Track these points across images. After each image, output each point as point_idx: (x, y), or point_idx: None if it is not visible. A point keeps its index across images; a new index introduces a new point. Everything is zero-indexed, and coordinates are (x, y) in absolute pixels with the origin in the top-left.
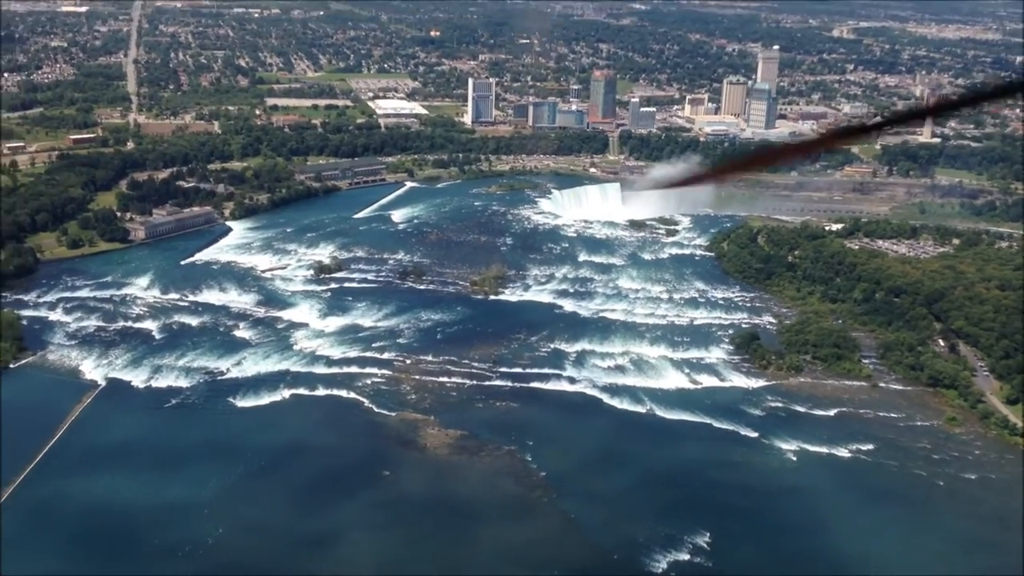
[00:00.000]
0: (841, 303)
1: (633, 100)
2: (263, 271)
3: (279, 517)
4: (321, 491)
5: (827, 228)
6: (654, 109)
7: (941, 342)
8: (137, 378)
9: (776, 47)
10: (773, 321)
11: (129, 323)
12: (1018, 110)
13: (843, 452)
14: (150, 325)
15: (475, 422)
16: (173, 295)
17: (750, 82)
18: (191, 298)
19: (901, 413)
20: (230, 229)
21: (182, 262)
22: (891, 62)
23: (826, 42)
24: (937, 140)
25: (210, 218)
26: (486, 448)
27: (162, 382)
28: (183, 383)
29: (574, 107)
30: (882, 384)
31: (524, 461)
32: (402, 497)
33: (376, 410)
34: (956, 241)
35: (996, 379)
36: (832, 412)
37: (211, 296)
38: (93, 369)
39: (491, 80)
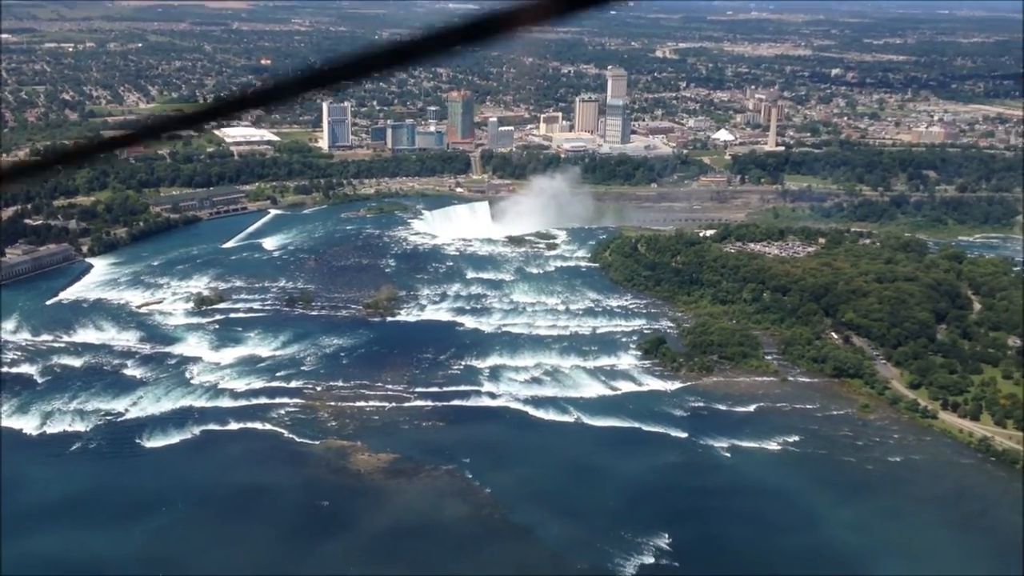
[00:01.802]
0: (732, 304)
1: (491, 120)
2: (138, 307)
3: (222, 562)
4: (260, 529)
5: (701, 234)
6: (512, 128)
7: (834, 335)
8: (28, 425)
9: (620, 67)
10: (672, 325)
11: (5, 368)
12: (846, 117)
13: (772, 446)
14: (29, 369)
15: (405, 444)
16: (46, 336)
17: (602, 99)
18: (67, 339)
19: (815, 404)
20: (91, 266)
21: (47, 302)
22: (718, 79)
23: (652, 62)
24: (782, 148)
25: (68, 255)
26: (423, 470)
27: (56, 427)
28: (80, 427)
29: (433, 128)
30: (790, 378)
31: (466, 479)
32: (348, 527)
33: (298, 440)
34: (822, 241)
35: (894, 366)
36: (752, 408)
37: (88, 335)
38: None
39: (346, 104)
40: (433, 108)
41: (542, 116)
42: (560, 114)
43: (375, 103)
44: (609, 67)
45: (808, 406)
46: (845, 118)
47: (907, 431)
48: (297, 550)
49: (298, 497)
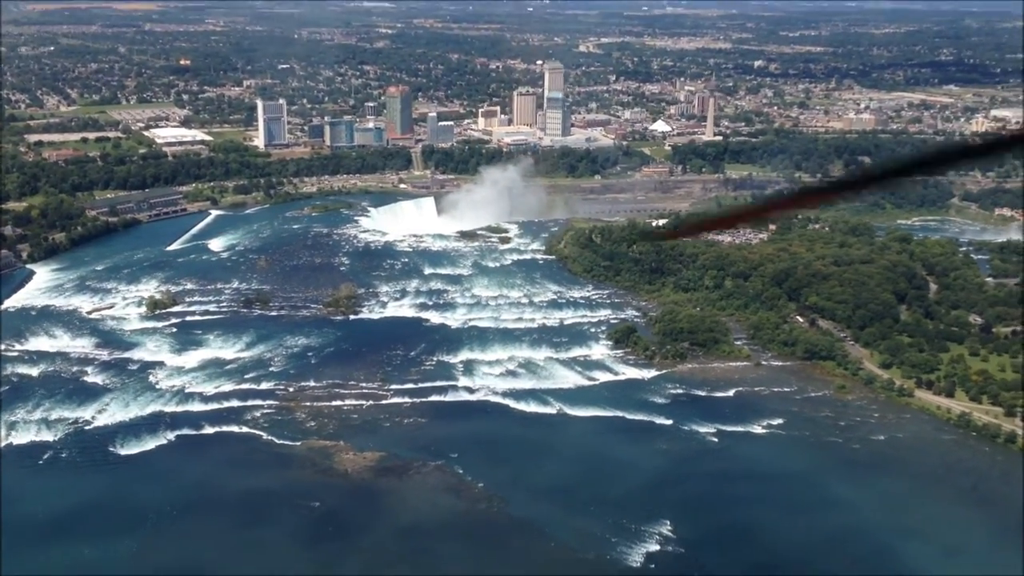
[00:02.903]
0: (694, 292)
1: (430, 115)
2: (89, 312)
3: (233, 569)
4: (259, 533)
5: (654, 224)
6: (452, 123)
7: (799, 318)
8: None
9: (556, 61)
10: (638, 314)
11: None
12: (776, 107)
13: (757, 429)
14: None
15: (389, 442)
16: None
17: (539, 93)
18: (19, 347)
19: (792, 387)
20: (33, 272)
21: None
22: (646, 72)
23: (578, 57)
24: (720, 138)
25: (9, 262)
26: (412, 467)
27: (23, 438)
28: (48, 436)
29: (371, 125)
30: (763, 362)
31: (457, 475)
32: (347, 528)
33: (278, 442)
34: (772, 227)
35: (863, 347)
36: (731, 393)
37: (41, 343)
38: None
39: (282, 102)
40: (370, 104)
41: (480, 110)
42: (498, 108)
43: (305, 101)
44: (545, 61)
45: (785, 389)
46: (775, 108)
47: (886, 410)
48: (302, 553)
49: (288, 499)
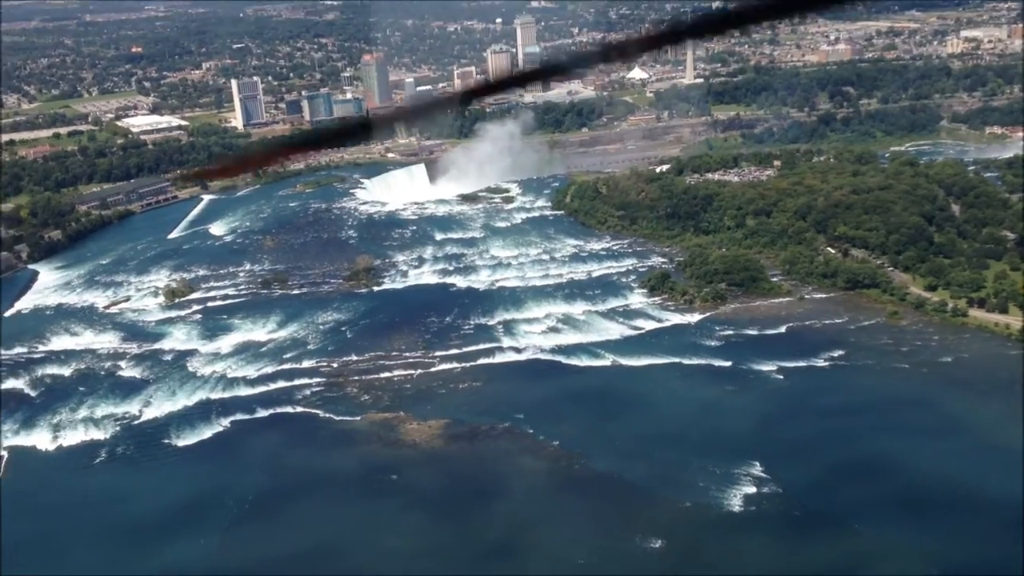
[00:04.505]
0: (716, 233)
1: (407, 81)
2: (105, 307)
3: (335, 543)
4: (348, 510)
5: (658, 170)
6: (430, 88)
7: (831, 250)
8: (40, 440)
9: (528, 16)
10: (664, 261)
11: None
12: (747, 46)
13: (820, 362)
14: (17, 384)
15: (449, 408)
16: (20, 349)
17: (513, 50)
18: (44, 348)
19: (843, 318)
20: (36, 272)
21: (6, 313)
22: (606, 23)
23: (534, 12)
24: (700, 80)
25: (11, 264)
26: (480, 431)
27: (72, 439)
28: (98, 435)
29: (350, 96)
30: (806, 296)
31: (528, 435)
32: (433, 499)
33: (337, 419)
34: (777, 163)
35: (903, 272)
36: (783, 329)
37: (65, 342)
38: None
39: (256, 79)
40: (345, 75)
41: (456, 72)
42: (474, 68)
43: (270, 78)
44: (517, 17)
45: (836, 321)
46: (746, 47)
47: (944, 332)
48: (430, 526)
49: (366, 475)
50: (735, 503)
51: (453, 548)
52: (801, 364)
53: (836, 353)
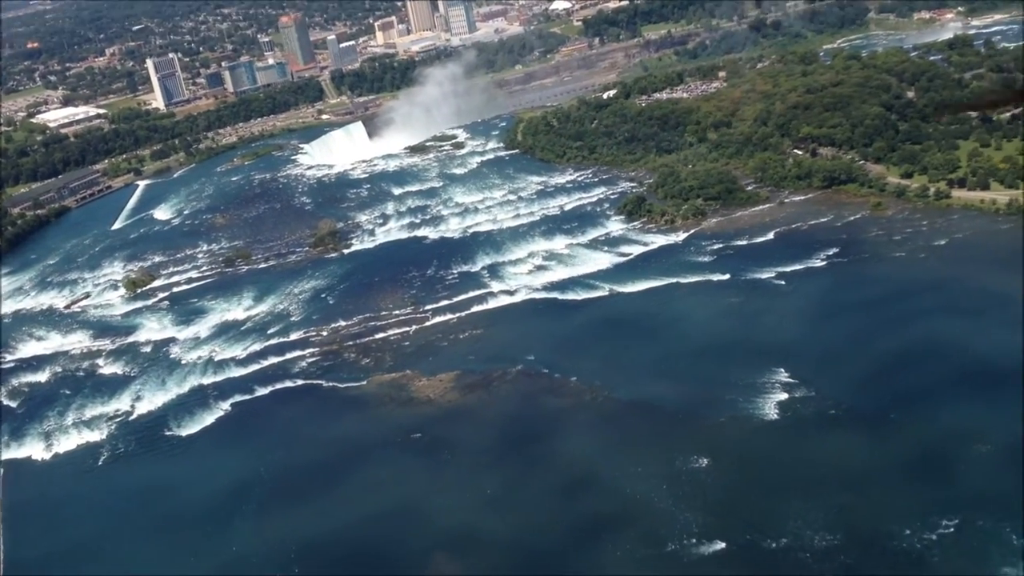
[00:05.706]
0: (678, 151)
1: (330, 39)
2: (66, 307)
3: (408, 503)
4: (395, 472)
5: (605, 96)
6: (354, 43)
7: (798, 151)
8: (34, 451)
9: None
10: (634, 185)
11: None
12: None
13: (817, 263)
14: None
15: (455, 360)
16: None
17: None
18: (12, 357)
19: (828, 216)
20: None
21: None
22: None
23: None
24: (627, 2)
25: None
26: (493, 378)
27: (67, 444)
28: (94, 437)
29: (272, 61)
30: (785, 200)
31: (544, 374)
32: (471, 450)
33: (342, 386)
34: (722, 75)
35: (874, 163)
36: (771, 236)
37: (34, 348)
38: None
39: (172, 56)
40: (264, 40)
41: (376, 24)
42: (394, 19)
43: (180, 55)
44: None
45: (822, 220)
46: None
47: (931, 216)
48: (483, 478)
49: (388, 436)
50: (770, 412)
51: (524, 491)
52: (799, 267)
53: (831, 251)
